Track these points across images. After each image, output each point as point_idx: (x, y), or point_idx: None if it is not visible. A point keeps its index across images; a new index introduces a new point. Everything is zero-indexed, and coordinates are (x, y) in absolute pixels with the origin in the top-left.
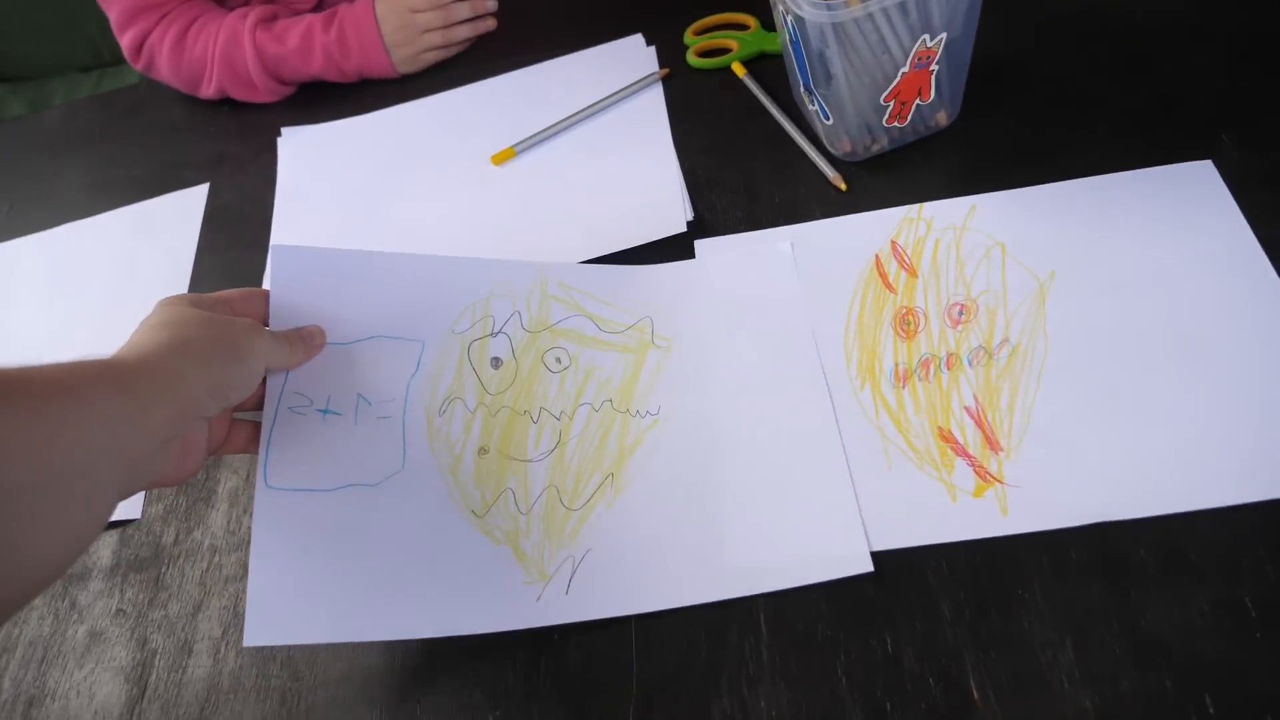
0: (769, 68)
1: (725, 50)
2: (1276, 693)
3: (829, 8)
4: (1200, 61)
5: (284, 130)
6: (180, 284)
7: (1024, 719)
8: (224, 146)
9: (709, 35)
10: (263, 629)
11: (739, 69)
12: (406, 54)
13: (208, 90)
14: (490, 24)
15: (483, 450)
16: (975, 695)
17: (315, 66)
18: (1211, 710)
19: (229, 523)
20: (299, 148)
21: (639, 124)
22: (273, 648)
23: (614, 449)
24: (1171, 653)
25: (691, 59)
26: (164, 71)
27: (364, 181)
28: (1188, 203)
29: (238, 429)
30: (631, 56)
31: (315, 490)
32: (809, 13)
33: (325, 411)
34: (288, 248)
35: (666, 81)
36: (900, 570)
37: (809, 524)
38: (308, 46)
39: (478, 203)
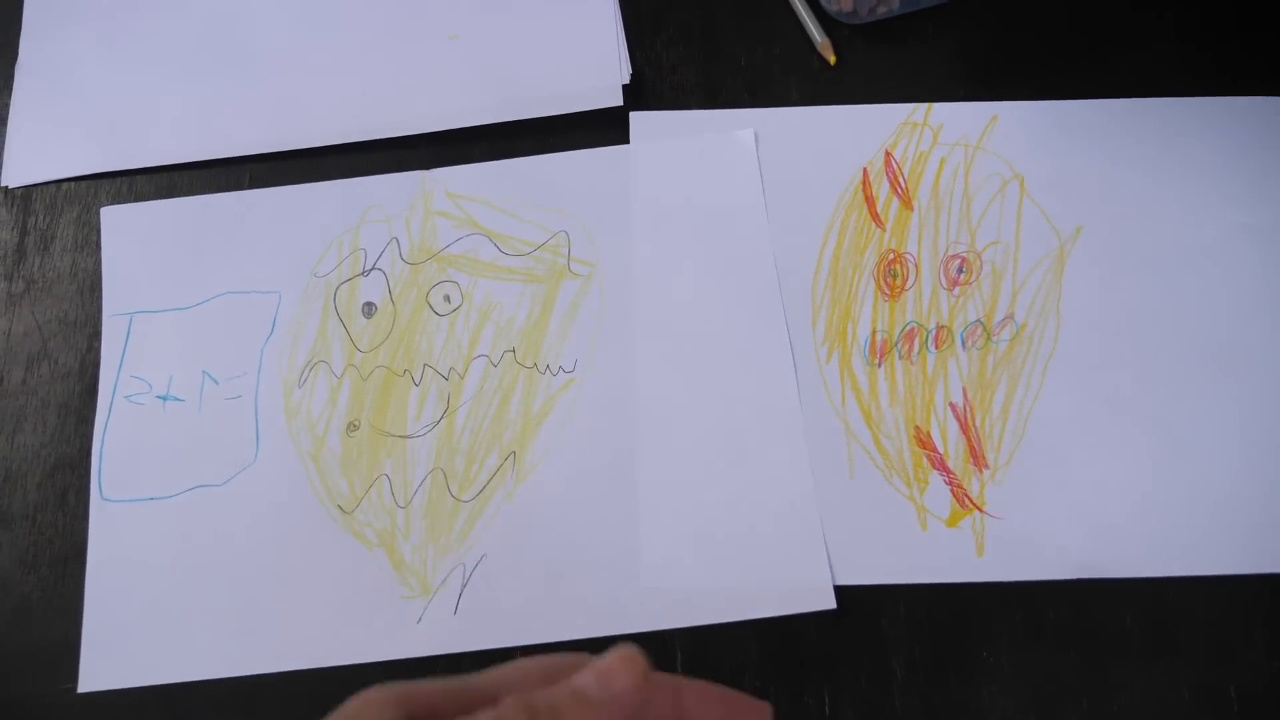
0: None
1: None
2: None
3: None
4: None
5: None
6: None
7: None
8: None
9: None
10: (100, 671)
11: None
12: None
13: None
14: None
15: (352, 426)
16: None
17: None
18: None
19: None
20: None
21: None
22: (43, 638)
23: (517, 418)
24: None
25: None
26: None
27: None
28: (1249, 157)
29: None
30: None
31: (157, 498)
32: None
33: (166, 398)
34: (120, 209)
35: None
36: (851, 612)
37: (759, 541)
38: None
39: (327, 6)
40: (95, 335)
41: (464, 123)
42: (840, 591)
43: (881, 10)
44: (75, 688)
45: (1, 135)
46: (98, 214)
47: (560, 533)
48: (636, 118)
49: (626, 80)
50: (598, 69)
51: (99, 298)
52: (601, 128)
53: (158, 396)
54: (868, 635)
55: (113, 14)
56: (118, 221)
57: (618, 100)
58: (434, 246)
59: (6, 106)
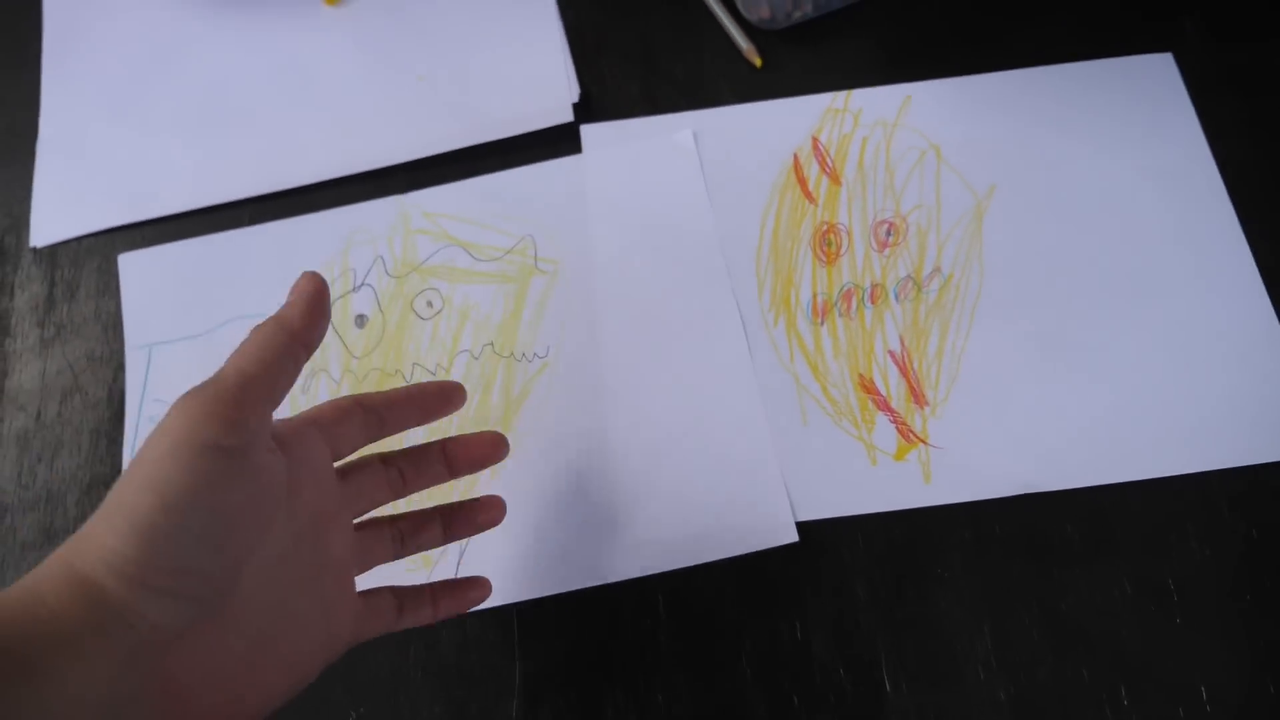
0: None
1: None
2: (1190, 682)
3: None
4: None
5: None
6: None
7: (936, 711)
8: None
9: None
10: None
11: None
12: None
13: None
14: None
15: None
16: (887, 686)
17: None
18: (1125, 701)
19: (20, 474)
20: None
21: None
22: None
23: (499, 402)
24: (1090, 639)
25: None
26: None
27: (156, 19)
28: (1142, 106)
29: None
30: None
31: None
32: None
33: None
34: (135, 255)
35: None
36: (813, 545)
37: (726, 489)
38: None
39: (307, 59)
40: (120, 368)
41: (434, 150)
42: (802, 527)
43: (797, 15)
44: None
45: (28, 204)
46: (115, 261)
47: (544, 498)
48: (587, 130)
49: (576, 99)
50: (550, 91)
51: (121, 334)
52: (556, 142)
53: None
54: (831, 565)
55: (119, 90)
56: (134, 266)
57: (569, 117)
58: (415, 260)
59: (31, 178)
